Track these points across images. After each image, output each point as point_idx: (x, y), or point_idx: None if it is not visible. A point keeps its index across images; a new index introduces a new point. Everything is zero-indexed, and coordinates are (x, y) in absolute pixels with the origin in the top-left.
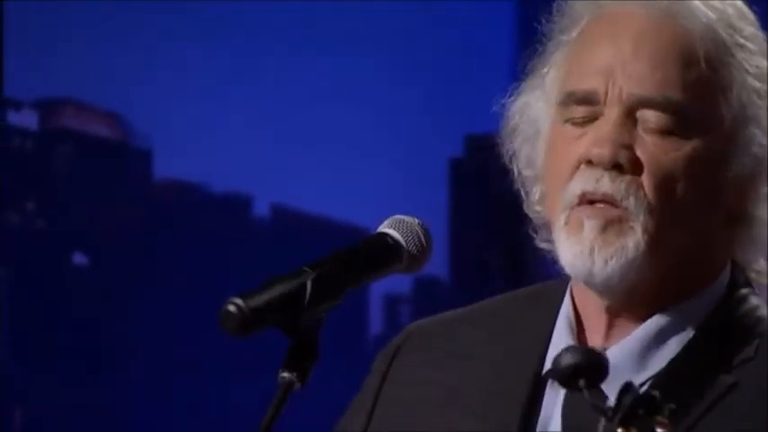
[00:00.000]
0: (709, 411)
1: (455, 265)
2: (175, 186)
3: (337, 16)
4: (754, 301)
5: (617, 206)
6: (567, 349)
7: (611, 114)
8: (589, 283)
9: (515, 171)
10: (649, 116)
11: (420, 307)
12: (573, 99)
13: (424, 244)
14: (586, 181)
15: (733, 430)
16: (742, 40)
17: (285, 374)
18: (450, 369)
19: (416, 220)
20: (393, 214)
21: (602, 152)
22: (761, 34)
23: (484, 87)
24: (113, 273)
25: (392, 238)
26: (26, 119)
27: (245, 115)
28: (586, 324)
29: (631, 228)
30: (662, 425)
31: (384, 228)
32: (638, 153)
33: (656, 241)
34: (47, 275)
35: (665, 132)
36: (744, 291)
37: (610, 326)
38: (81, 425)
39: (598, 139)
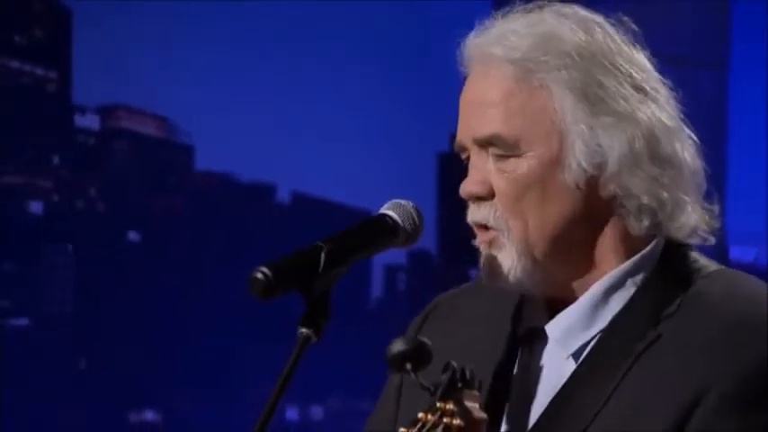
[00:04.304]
0: (636, 362)
1: (442, 241)
2: (212, 176)
3: (339, 24)
4: (687, 257)
5: (489, 228)
6: (395, 339)
7: (472, 156)
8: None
9: None
10: (491, 150)
11: (413, 275)
12: (457, 147)
13: (417, 223)
14: (469, 213)
15: (653, 378)
16: (553, 62)
17: (303, 330)
18: (459, 335)
19: (411, 203)
20: (392, 198)
21: (464, 190)
22: (575, 50)
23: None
24: (161, 249)
25: (391, 218)
26: (89, 121)
27: (268, 116)
28: None
29: (503, 243)
30: (473, 397)
31: (384, 209)
32: (492, 182)
33: (524, 245)
34: (106, 250)
35: (503, 158)
36: (680, 249)
37: (561, 300)
38: (133, 370)
39: (465, 180)
